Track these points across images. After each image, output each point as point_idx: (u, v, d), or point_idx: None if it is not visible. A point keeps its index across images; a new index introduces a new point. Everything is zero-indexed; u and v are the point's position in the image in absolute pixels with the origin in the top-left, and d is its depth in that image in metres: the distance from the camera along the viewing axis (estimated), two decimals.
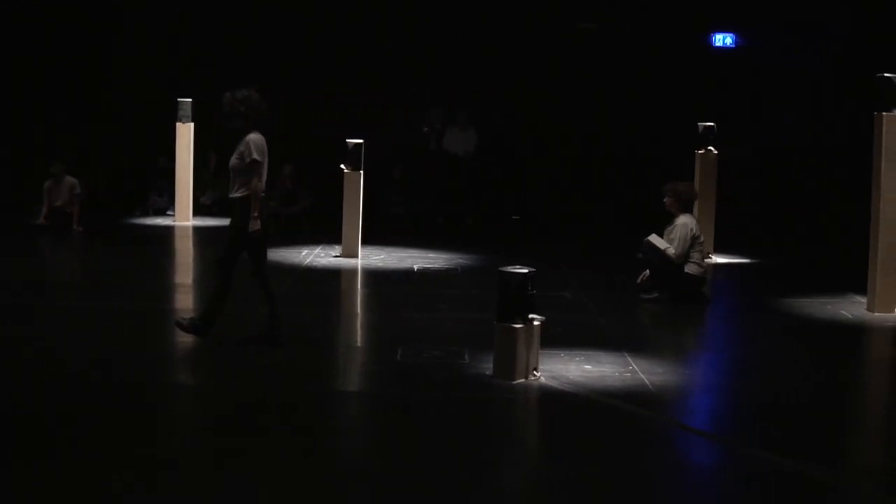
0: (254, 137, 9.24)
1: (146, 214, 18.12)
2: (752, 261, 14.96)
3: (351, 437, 7.46)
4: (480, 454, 6.94)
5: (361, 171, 14.26)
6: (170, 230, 16.89)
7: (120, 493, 6.16)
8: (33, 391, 8.06)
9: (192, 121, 17.10)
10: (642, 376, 8.68)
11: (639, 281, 11.91)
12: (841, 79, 18.22)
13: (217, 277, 9.54)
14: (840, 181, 17.21)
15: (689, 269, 11.84)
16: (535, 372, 8.53)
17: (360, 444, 7.31)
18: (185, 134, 17.17)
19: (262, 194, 9.25)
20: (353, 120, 18.34)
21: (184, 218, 17.25)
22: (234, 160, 9.27)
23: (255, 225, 9.17)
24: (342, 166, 14.32)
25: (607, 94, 19.08)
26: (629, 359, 9.19)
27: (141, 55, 18.85)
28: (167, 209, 17.95)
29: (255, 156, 9.15)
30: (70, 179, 16.41)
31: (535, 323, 8.49)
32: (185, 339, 9.47)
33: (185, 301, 11.93)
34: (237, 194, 9.26)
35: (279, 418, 7.67)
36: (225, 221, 17.31)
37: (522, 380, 8.40)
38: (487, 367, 8.63)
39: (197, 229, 16.94)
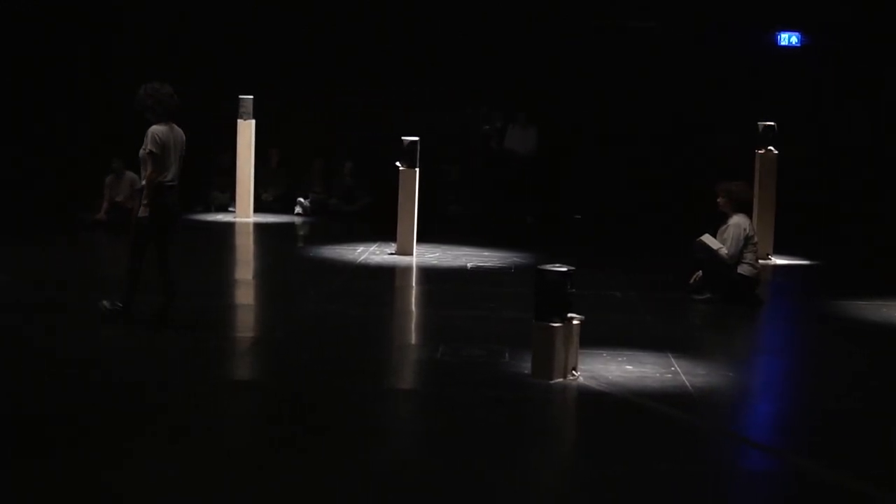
0: (154, 129, 9.68)
1: (207, 210, 18.25)
2: (810, 262, 14.71)
3: (367, 437, 7.29)
4: (506, 455, 6.89)
5: (417, 169, 14.27)
6: (230, 226, 17.01)
7: (120, 493, 6.18)
8: (33, 391, 8.04)
9: (253, 118, 17.19)
10: (683, 378, 8.58)
11: (691, 281, 11.79)
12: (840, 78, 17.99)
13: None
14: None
15: (742, 269, 11.69)
16: (573, 371, 8.47)
17: (382, 444, 7.20)
18: (246, 130, 17.24)
19: (157, 183, 9.57)
20: (353, 119, 18.39)
21: (245, 214, 17.37)
22: (140, 151, 9.69)
23: (143, 212, 9.61)
24: (397, 164, 14.34)
25: (681, 92, 18.85)
26: (672, 360, 9.09)
27: (141, 55, 18.88)
28: (228, 206, 18.08)
29: (150, 146, 9.60)
30: (130, 175, 16.51)
31: (575, 322, 8.43)
32: (188, 338, 9.54)
33: (244, 296, 12.04)
34: (142, 183, 9.73)
35: (280, 418, 7.64)
36: (285, 218, 17.79)
37: (560, 379, 8.34)
38: (527, 366, 8.57)
39: (258, 225, 17.05)
